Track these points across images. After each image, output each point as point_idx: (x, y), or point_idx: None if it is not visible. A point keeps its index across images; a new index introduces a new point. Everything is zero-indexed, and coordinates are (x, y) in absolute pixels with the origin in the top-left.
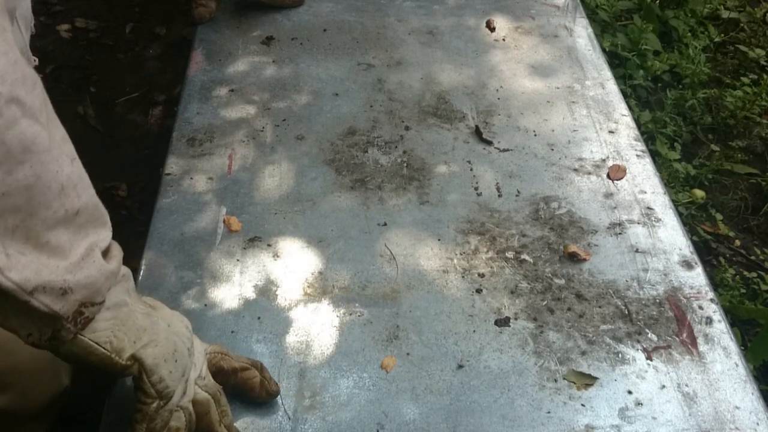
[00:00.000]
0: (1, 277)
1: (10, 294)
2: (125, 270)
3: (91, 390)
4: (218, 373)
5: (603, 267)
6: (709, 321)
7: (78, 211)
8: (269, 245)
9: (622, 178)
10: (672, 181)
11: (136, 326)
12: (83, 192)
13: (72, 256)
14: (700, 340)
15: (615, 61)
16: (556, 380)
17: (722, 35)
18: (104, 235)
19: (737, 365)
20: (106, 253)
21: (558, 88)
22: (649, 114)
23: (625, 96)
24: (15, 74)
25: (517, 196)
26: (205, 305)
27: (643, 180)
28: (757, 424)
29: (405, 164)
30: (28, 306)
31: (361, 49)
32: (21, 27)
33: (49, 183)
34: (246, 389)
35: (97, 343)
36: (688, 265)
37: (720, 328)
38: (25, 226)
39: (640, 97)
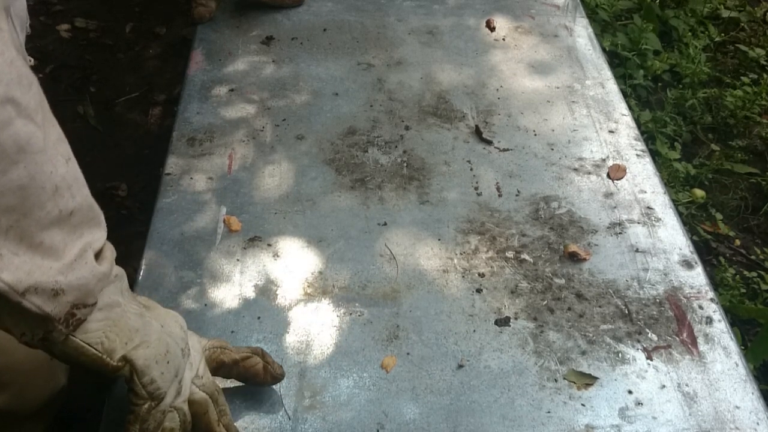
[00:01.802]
0: None
1: (2, 295)
2: (118, 270)
3: (90, 390)
4: (220, 367)
5: (603, 267)
6: (709, 321)
7: (72, 212)
8: (269, 245)
9: (622, 177)
10: (672, 181)
11: (128, 327)
12: (78, 192)
13: (66, 257)
14: (700, 340)
15: (615, 60)
16: (556, 380)
17: (722, 35)
18: (99, 235)
19: (737, 365)
20: (98, 255)
21: (558, 87)
22: (649, 114)
23: (625, 96)
24: (11, 74)
25: (517, 195)
26: (205, 305)
27: (643, 180)
28: (757, 423)
29: (405, 164)
30: (20, 307)
31: (361, 48)
32: (16, 27)
33: (43, 183)
34: (250, 376)
35: (88, 344)
36: (688, 264)
37: (720, 327)
38: (19, 226)
39: (640, 97)
